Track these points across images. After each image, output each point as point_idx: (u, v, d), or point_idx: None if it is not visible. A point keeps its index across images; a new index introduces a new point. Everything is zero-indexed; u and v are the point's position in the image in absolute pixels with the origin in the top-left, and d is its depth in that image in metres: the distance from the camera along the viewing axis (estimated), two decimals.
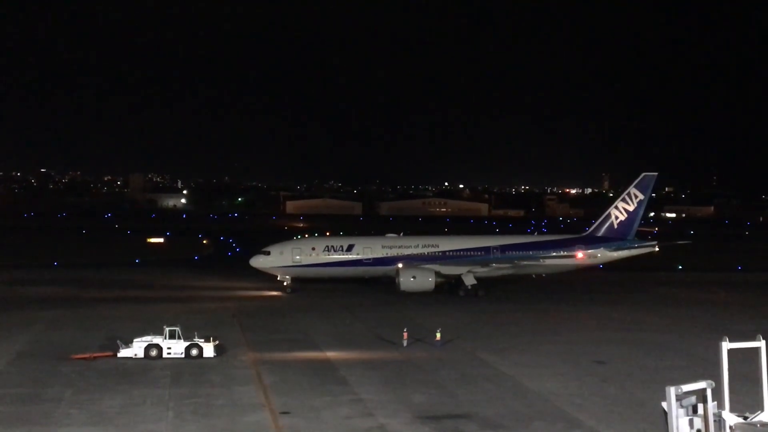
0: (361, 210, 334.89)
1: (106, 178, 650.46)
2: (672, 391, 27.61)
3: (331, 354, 61.29)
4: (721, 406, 28.34)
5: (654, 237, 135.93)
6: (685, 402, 27.98)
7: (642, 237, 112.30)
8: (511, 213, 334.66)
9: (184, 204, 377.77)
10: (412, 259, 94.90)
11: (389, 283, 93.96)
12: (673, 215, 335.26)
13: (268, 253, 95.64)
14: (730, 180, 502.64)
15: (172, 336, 59.07)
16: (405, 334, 64.68)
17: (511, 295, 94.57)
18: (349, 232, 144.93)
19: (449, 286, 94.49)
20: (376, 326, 73.03)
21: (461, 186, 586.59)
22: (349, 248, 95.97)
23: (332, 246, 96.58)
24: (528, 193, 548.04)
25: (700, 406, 28.11)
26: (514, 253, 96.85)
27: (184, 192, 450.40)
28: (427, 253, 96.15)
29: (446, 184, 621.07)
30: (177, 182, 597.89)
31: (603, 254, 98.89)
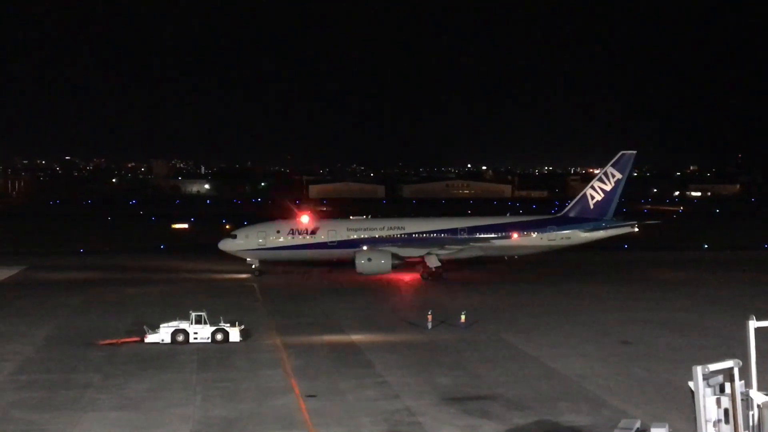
0: (384, 193, 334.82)
1: (129, 165, 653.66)
2: (699, 370, 27.51)
3: (355, 337, 61.45)
4: (748, 384, 28.22)
5: (678, 216, 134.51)
6: (712, 381, 27.90)
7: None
8: (534, 194, 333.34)
9: (207, 189, 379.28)
10: (377, 242, 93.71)
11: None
12: (698, 194, 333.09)
13: (235, 237, 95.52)
14: (756, 158, 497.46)
15: (198, 321, 59.42)
16: (429, 317, 64.76)
17: (530, 276, 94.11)
18: (372, 216, 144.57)
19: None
20: (399, 309, 73.16)
21: (484, 168, 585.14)
22: (314, 231, 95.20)
23: (296, 229, 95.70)
24: (551, 174, 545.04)
25: (728, 385, 28.02)
26: (479, 235, 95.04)
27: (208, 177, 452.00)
28: (393, 235, 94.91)
29: (469, 166, 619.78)
30: (200, 168, 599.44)
31: (575, 235, 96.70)
